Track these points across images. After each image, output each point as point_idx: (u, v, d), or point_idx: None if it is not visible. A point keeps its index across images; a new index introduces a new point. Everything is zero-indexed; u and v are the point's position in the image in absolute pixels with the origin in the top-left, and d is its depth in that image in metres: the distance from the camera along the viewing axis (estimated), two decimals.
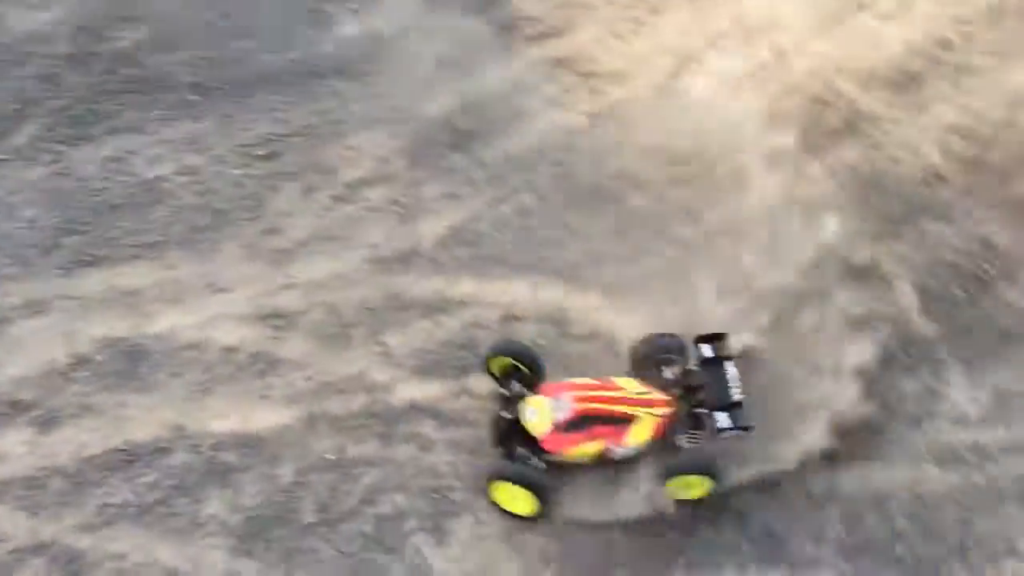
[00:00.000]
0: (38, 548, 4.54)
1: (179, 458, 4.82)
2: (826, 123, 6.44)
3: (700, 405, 4.90)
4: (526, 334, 5.40)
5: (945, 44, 6.88)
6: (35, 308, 5.30)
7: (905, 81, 6.69)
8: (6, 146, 6.10)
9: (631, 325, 5.40)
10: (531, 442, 4.77)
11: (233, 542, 4.58)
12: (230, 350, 5.23)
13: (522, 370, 5.00)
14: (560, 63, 6.75)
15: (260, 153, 6.13)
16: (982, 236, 5.88)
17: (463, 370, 5.24)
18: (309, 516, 4.76)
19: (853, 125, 6.45)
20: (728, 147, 6.28)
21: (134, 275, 5.48)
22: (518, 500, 4.73)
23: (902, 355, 5.39)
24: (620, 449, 4.80)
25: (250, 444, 4.90)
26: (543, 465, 4.76)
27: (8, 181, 5.90)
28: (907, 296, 5.63)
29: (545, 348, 5.31)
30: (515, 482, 4.67)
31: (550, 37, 6.94)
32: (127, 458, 4.80)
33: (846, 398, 5.08)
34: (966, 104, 6.52)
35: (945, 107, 6.52)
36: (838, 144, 6.35)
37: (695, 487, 4.78)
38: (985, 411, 5.18)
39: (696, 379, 4.97)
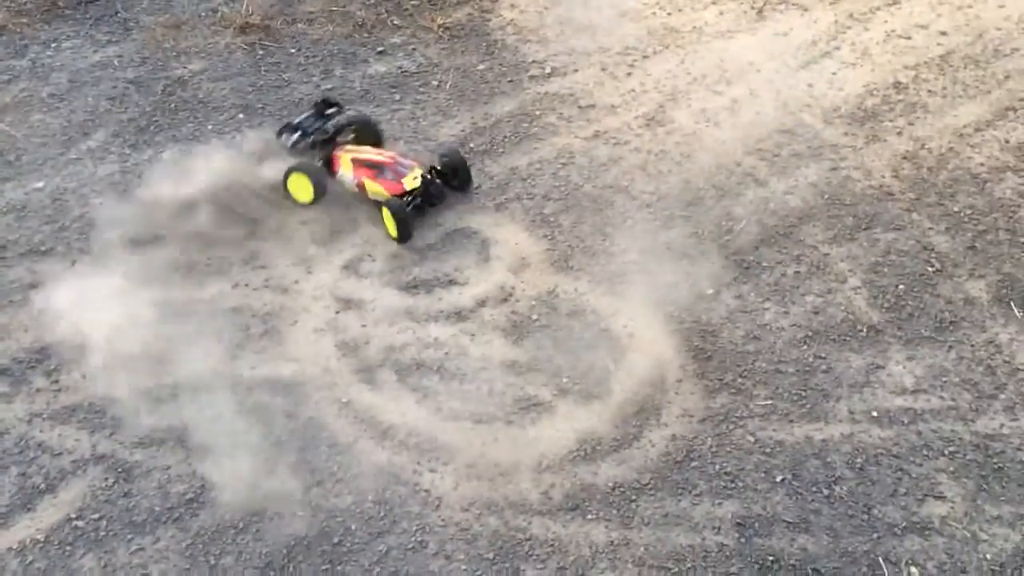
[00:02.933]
0: (98, 459, 5.32)
1: (220, 396, 5.62)
2: (792, 149, 7.37)
3: None
4: (522, 308, 6.25)
5: (898, 86, 7.86)
6: (100, 273, 6.20)
7: (863, 116, 7.63)
8: (80, 148, 7.12)
9: (609, 305, 6.27)
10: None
11: (260, 463, 5.35)
12: (253, 314, 6.12)
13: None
14: (560, 98, 7.78)
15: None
16: (925, 243, 6.70)
17: None
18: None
19: (816, 151, 7.36)
20: (707, 166, 7.21)
21: (181, 250, 6.41)
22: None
23: (850, 337, 6.16)
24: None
25: (276, 389, 5.71)
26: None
27: (81, 176, 6.89)
28: (857, 288, 6.43)
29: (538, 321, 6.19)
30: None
31: (553, 76, 8.00)
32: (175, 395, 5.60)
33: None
34: (914, 135, 7.44)
35: (896, 138, 7.44)
36: (802, 166, 7.24)
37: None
38: (920, 383, 5.91)
39: None
